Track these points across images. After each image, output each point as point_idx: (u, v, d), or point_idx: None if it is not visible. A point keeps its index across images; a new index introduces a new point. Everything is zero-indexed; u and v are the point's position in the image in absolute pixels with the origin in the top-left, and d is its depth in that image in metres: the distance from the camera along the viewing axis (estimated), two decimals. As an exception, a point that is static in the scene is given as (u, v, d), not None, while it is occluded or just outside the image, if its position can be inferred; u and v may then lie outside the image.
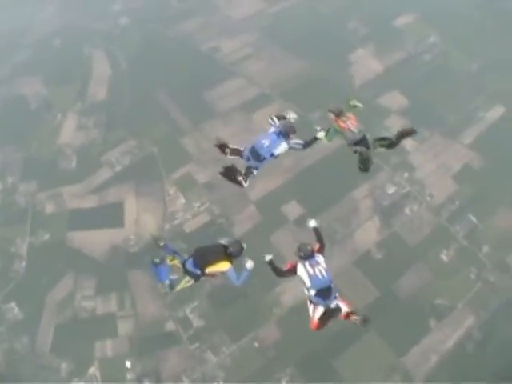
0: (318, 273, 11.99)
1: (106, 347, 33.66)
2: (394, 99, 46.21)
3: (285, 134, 13.21)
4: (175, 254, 12.62)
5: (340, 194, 41.58)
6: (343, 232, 40.44)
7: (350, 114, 13.83)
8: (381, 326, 34.41)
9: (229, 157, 13.35)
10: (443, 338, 35.13)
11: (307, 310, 14.81)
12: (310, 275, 11.92)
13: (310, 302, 11.98)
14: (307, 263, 12.14)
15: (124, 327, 34.79)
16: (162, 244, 12.46)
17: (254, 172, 13.03)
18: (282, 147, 13.31)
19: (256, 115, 45.36)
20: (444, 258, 38.33)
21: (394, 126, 43.56)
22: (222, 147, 13.15)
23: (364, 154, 13.73)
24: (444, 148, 43.89)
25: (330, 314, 11.88)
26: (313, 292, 11.91)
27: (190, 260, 12.31)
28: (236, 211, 40.51)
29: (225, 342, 36.45)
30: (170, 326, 34.75)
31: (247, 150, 13.14)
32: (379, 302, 36.19)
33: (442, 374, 35.56)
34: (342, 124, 13.75)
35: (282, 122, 13.43)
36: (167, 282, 12.64)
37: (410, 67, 49.33)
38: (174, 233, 38.85)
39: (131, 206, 39.90)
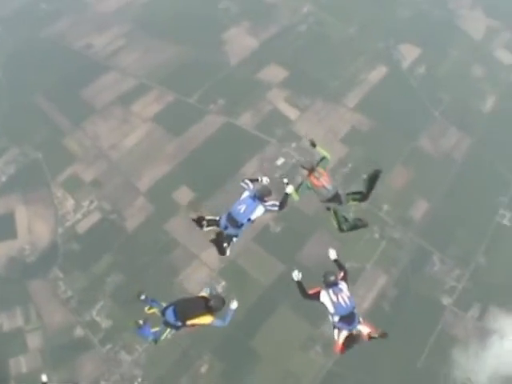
0: (341, 300, 12.33)
1: (20, 364, 32.88)
2: (274, 72, 47.18)
3: (260, 197, 13.23)
4: (153, 303, 12.95)
5: (229, 172, 41.57)
6: (238, 210, 39.22)
7: (321, 170, 13.99)
8: (292, 299, 34.71)
9: (205, 229, 13.72)
10: (358, 301, 35.73)
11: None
12: (333, 302, 12.30)
13: (334, 326, 12.41)
14: (331, 291, 12.51)
15: (33, 341, 34.26)
16: (142, 298, 12.97)
17: (234, 240, 13.30)
18: (259, 211, 13.33)
19: (134, 106, 45.94)
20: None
21: (276, 99, 45.84)
22: (199, 220, 13.41)
23: (356, 224, 14.24)
24: (328, 113, 45.09)
25: (352, 339, 12.28)
26: (336, 318, 12.34)
27: (170, 311, 12.35)
28: (126, 205, 40.35)
29: (136, 338, 35.12)
30: (79, 331, 34.19)
31: (224, 218, 13.32)
32: (286, 275, 36.26)
33: None
34: (316, 181, 13.84)
35: (258, 186, 13.48)
36: (150, 339, 12.81)
37: (286, 39, 50.50)
38: (68, 235, 38.46)
39: (22, 216, 39.11)
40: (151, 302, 12.74)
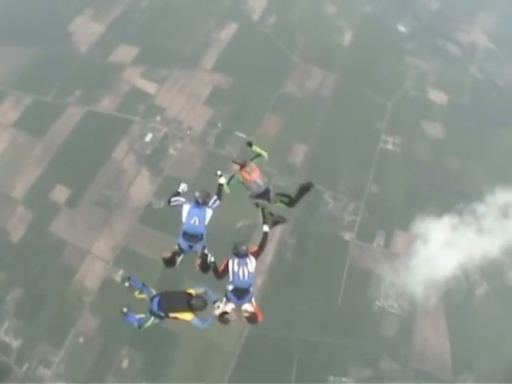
0: (241, 272, 12.60)
1: None
2: (124, 52, 48.07)
3: (203, 202, 13.35)
4: (143, 287, 13.44)
5: (101, 160, 42.25)
6: (117, 195, 41.14)
7: (253, 165, 13.93)
8: (194, 270, 35.66)
9: (177, 263, 13.55)
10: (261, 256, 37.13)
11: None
12: (233, 272, 12.59)
13: (225, 295, 12.57)
14: (236, 261, 12.81)
15: None
16: (128, 282, 13.37)
17: (206, 251, 13.40)
18: (209, 215, 13.43)
19: (-6, 115, 42.45)
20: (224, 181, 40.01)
21: (132, 77, 47.48)
22: (170, 262, 13.59)
23: (275, 218, 14.09)
24: (187, 79, 46.27)
25: (225, 318, 12.47)
26: (230, 287, 12.57)
27: (156, 301, 12.89)
28: (6, 217, 40.64)
29: (50, 351, 36.01)
30: (-9, 357, 33.07)
31: (182, 240, 13.39)
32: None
33: (272, 289, 38.50)
34: (247, 176, 13.91)
35: (198, 193, 13.50)
36: (136, 324, 13.21)
37: (131, 17, 51.66)
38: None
39: None
40: (140, 285, 13.49)
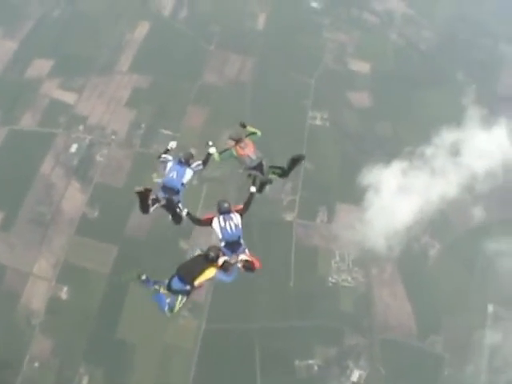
0: (228, 226, 13.26)
1: None
2: (39, 66, 48.56)
3: (186, 161, 14.21)
4: (156, 283, 13.46)
5: (29, 178, 42.68)
6: (50, 210, 41.44)
7: (247, 141, 14.76)
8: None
9: (151, 210, 14.24)
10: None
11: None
12: (221, 228, 13.26)
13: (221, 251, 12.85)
14: (222, 217, 13.43)
15: None
16: (143, 278, 13.69)
17: (180, 206, 14.09)
18: (188, 174, 14.22)
19: None
20: (157, 180, 40.43)
21: (50, 90, 47.56)
22: (143, 202, 14.13)
23: (261, 178, 14.73)
24: (106, 84, 46.70)
25: (224, 265, 12.99)
26: (222, 243, 13.25)
27: (176, 280, 12.97)
28: None
29: (8, 381, 36.36)
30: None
31: (160, 191, 14.05)
32: (121, 255, 40.02)
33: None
34: (241, 151, 14.63)
35: (183, 153, 14.42)
36: (167, 309, 13.40)
37: (43, 30, 51.86)
38: None
39: None
40: (153, 283, 13.62)
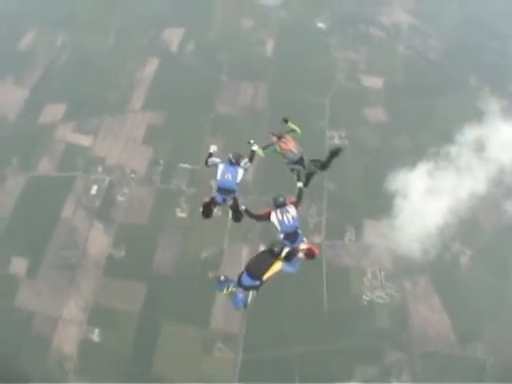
0: (285, 219, 14.85)
1: None
2: (52, 111, 49.91)
3: (237, 161, 15.62)
4: (228, 282, 14.87)
5: (51, 223, 42.72)
6: (76, 254, 41.62)
7: (289, 137, 16.42)
8: (169, 309, 39.30)
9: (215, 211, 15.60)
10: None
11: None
12: (279, 221, 14.86)
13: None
14: (278, 211, 15.01)
15: None
16: (222, 279, 15.18)
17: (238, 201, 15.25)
18: (240, 173, 15.58)
19: None
20: (181, 214, 40.48)
21: (65, 134, 48.54)
22: (207, 209, 15.88)
23: (309, 170, 16.31)
24: (120, 124, 47.08)
25: (292, 253, 14.66)
26: (282, 236, 14.86)
27: (245, 277, 14.39)
28: None
29: None
30: None
31: (217, 194, 15.52)
32: (150, 291, 39.97)
33: (255, 310, 39.23)
34: (284, 145, 16.35)
35: (232, 154, 15.84)
36: (241, 306, 14.53)
37: (52, 76, 53.47)
38: None
39: None
40: (228, 282, 14.92)
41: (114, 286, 40.37)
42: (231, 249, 41.19)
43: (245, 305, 14.79)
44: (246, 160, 16.06)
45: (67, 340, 38.58)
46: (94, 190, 43.48)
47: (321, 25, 53.85)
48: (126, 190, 42.86)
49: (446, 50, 55.74)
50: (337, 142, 46.28)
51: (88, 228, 41.85)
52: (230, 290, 14.91)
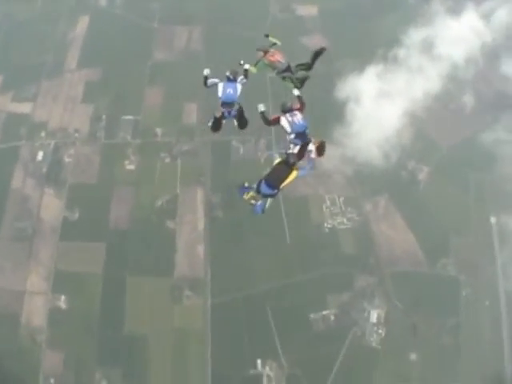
0: (296, 120, 15.88)
1: None
2: None
3: (234, 78, 16.72)
4: (248, 189, 16.33)
5: (1, 196, 42.69)
6: (31, 224, 42.23)
7: (273, 50, 17.34)
8: (133, 263, 39.97)
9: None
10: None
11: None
12: (289, 122, 15.90)
13: (290, 142, 15.96)
14: (288, 115, 16.01)
15: None
16: (246, 185, 16.51)
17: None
18: (239, 88, 16.63)
19: None
20: (130, 167, 40.26)
21: (4, 104, 47.40)
22: (218, 124, 17.25)
23: (298, 75, 17.16)
24: (58, 87, 46.93)
25: (302, 148, 15.86)
26: (293, 136, 15.94)
27: (264, 186, 15.73)
28: None
29: None
30: None
31: (223, 108, 16.73)
32: (112, 249, 40.21)
33: (218, 253, 39.66)
34: (271, 57, 17.30)
35: (229, 72, 16.84)
36: (260, 210, 16.24)
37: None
38: None
39: None
40: (248, 188, 16.31)
41: (73, 249, 39.97)
42: (185, 193, 40.77)
43: (263, 210, 16.29)
44: (242, 77, 16.91)
45: (35, 312, 38.30)
46: (40, 156, 42.96)
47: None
48: (72, 151, 42.46)
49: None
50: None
51: (39, 195, 41.58)
52: (249, 195, 16.24)
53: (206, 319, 36.85)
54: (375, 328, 38.06)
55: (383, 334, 37.72)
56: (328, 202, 41.72)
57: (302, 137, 16.14)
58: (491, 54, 45.93)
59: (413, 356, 37.36)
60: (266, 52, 17.56)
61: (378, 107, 43.03)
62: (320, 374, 36.03)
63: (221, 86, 16.79)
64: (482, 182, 42.60)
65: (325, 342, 37.02)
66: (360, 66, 44.50)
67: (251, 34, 46.10)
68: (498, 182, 42.10)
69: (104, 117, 43.41)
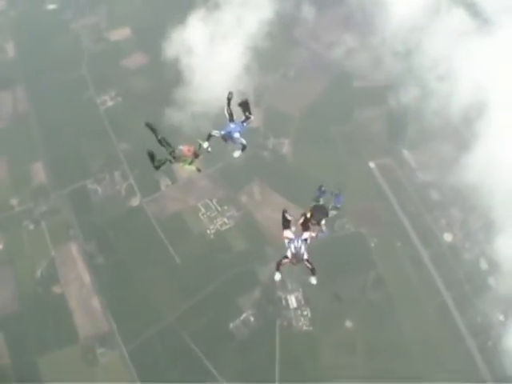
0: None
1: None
2: None
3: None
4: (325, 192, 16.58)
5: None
6: None
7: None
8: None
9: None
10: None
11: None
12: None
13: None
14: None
15: None
16: (323, 189, 16.73)
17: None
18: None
19: None
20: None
21: None
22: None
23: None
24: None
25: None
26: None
27: None
28: None
29: None
30: None
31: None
32: (11, 334, 37.65)
33: (111, 299, 38.37)
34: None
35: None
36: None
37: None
38: None
39: None
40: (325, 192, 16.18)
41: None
42: (60, 253, 39.51)
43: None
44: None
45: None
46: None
47: (51, 6, 52.03)
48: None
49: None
50: (110, 104, 44.88)
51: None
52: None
53: (129, 369, 35.62)
54: (299, 312, 37.50)
55: (309, 315, 37.42)
56: (202, 209, 40.92)
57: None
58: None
59: (348, 323, 37.14)
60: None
61: (214, 53, 43.78)
62: (264, 376, 35.47)
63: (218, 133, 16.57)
64: (346, 132, 43.43)
65: (255, 344, 36.40)
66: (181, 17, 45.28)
67: (74, 75, 46.91)
68: (361, 128, 43.48)
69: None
